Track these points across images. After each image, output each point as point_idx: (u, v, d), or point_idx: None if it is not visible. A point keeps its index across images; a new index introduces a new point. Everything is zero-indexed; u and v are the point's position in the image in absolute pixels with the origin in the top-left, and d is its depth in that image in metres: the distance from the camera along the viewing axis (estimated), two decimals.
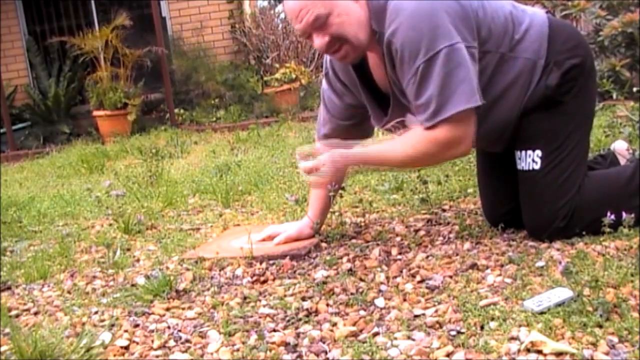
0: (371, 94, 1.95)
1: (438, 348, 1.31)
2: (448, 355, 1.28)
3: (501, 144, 1.95)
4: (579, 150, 1.86)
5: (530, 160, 1.85)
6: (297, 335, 1.45)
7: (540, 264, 1.68)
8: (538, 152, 1.84)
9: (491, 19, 1.80)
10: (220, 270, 1.95)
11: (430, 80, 1.70)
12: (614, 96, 4.26)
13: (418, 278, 1.70)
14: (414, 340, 1.36)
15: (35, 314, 1.81)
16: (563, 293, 1.44)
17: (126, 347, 1.51)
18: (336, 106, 2.09)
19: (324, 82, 2.12)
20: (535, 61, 1.83)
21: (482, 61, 1.79)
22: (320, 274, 1.81)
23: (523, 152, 1.87)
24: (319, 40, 1.79)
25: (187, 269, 1.98)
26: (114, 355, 1.47)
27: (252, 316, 1.58)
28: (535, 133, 1.85)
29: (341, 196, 2.30)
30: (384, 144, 1.90)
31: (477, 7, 1.78)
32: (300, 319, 1.53)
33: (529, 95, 1.84)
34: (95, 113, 6.80)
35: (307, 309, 1.58)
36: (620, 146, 2.33)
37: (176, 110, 7.11)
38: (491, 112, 1.85)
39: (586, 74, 1.87)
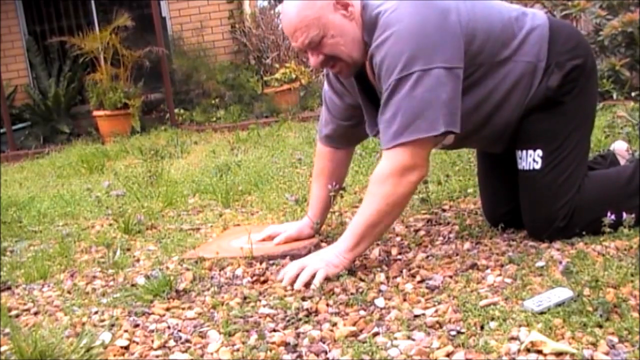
0: (368, 101, 1.94)
1: (438, 348, 1.31)
2: (448, 355, 1.28)
3: (501, 145, 1.95)
4: (579, 150, 1.86)
5: (531, 160, 1.85)
6: (297, 335, 1.45)
7: (540, 264, 1.68)
8: (539, 152, 1.84)
9: (485, 31, 1.79)
10: (220, 270, 1.95)
11: (397, 99, 1.70)
12: (614, 96, 4.26)
13: (418, 278, 1.70)
14: (414, 340, 1.36)
15: (35, 314, 1.81)
16: (563, 293, 1.44)
17: (126, 347, 1.51)
18: (337, 106, 2.09)
19: (325, 83, 2.13)
20: (535, 64, 1.83)
21: (477, 72, 1.79)
22: None
23: (524, 151, 1.87)
24: (314, 59, 1.82)
25: (187, 269, 1.98)
26: (114, 355, 1.47)
27: (252, 316, 1.58)
28: (536, 133, 1.85)
29: (341, 196, 2.30)
30: (352, 223, 1.79)
31: (468, 20, 1.76)
32: (300, 319, 1.53)
33: (530, 97, 1.84)
34: (95, 113, 6.80)
35: (307, 309, 1.57)
36: (620, 146, 2.34)
37: (176, 110, 7.11)
38: (493, 117, 1.85)
39: (587, 74, 1.87)
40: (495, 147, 1.99)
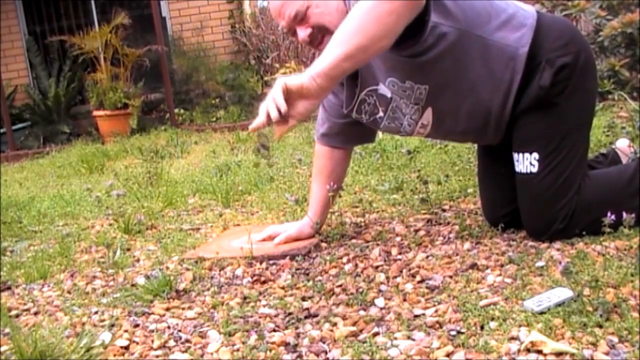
0: (351, 80, 1.94)
1: (438, 348, 1.31)
2: (448, 355, 1.28)
3: (490, 137, 1.93)
4: (576, 151, 1.84)
5: (527, 163, 1.84)
6: (297, 335, 1.45)
7: (540, 264, 1.68)
8: (535, 155, 1.82)
9: (468, 3, 1.76)
10: (220, 270, 1.95)
11: None
12: (616, 97, 4.27)
13: (418, 278, 1.70)
14: (414, 340, 1.36)
15: (35, 314, 1.81)
16: (563, 293, 1.44)
17: (126, 347, 1.51)
18: (332, 104, 2.10)
19: None
20: (516, 49, 1.78)
21: (455, 38, 1.74)
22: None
23: (520, 154, 1.86)
24: (302, 33, 1.84)
25: (187, 269, 1.98)
26: (114, 355, 1.47)
27: (252, 316, 1.58)
28: (532, 135, 1.84)
29: (341, 196, 2.30)
30: (335, 36, 1.62)
31: None
32: (300, 319, 1.53)
33: (514, 86, 1.80)
34: (95, 113, 6.80)
35: (307, 309, 1.58)
36: (622, 144, 2.33)
37: (176, 110, 7.11)
38: (469, 96, 1.82)
39: (579, 71, 1.82)
40: (485, 140, 1.97)
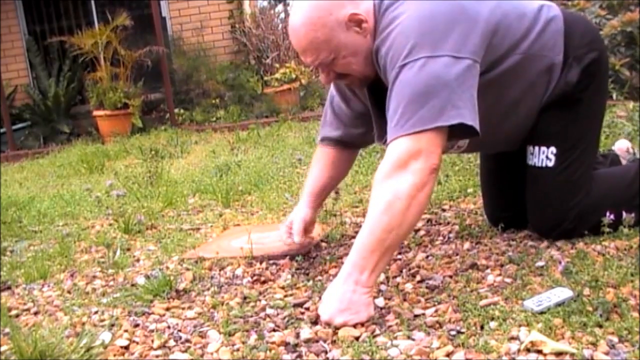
0: (378, 109, 1.82)
1: (438, 348, 1.31)
2: (448, 355, 1.28)
3: (516, 145, 1.91)
4: (590, 150, 1.83)
5: (544, 156, 1.80)
6: (297, 335, 1.45)
7: (540, 263, 1.68)
8: (552, 150, 1.79)
9: (506, 25, 1.70)
10: (220, 270, 1.95)
11: (400, 87, 1.55)
12: (614, 96, 4.27)
13: (418, 278, 1.70)
14: (414, 340, 1.36)
15: (35, 314, 1.81)
16: (563, 293, 1.44)
17: (126, 347, 1.51)
18: (345, 114, 2.01)
19: (332, 86, 2.03)
20: (552, 59, 1.76)
21: (497, 68, 1.70)
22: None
23: (537, 147, 1.82)
24: (324, 77, 1.74)
25: (187, 269, 1.98)
26: (114, 355, 1.47)
27: (252, 316, 1.58)
28: (551, 130, 1.80)
29: (337, 193, 2.29)
30: (357, 241, 1.51)
31: (487, 14, 1.66)
32: (300, 319, 1.53)
33: (548, 95, 1.79)
34: (95, 113, 6.80)
35: (307, 309, 1.57)
36: (621, 145, 2.33)
37: (176, 110, 7.10)
38: (510, 116, 1.80)
39: (603, 68, 1.82)
40: (510, 148, 1.94)
